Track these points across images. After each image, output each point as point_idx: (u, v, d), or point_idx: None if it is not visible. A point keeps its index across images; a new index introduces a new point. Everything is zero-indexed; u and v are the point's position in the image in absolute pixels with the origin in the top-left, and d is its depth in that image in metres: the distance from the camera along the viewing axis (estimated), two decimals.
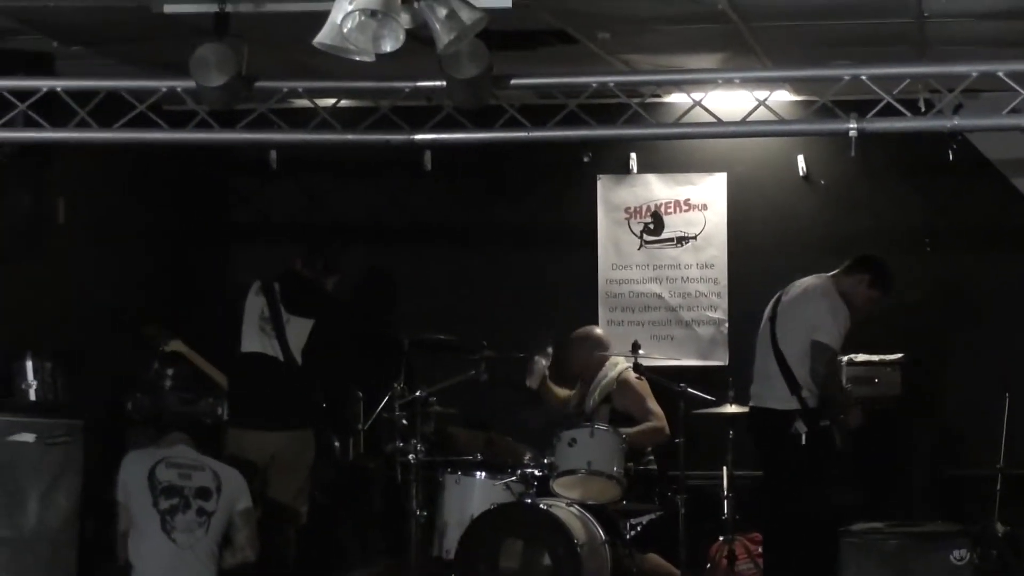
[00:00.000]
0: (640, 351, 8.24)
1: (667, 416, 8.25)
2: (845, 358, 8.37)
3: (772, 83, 6.78)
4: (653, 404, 8.34)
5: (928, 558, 7.46)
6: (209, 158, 9.40)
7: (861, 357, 8.39)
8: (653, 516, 7.97)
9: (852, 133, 6.15)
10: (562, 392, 8.71)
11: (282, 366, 7.89)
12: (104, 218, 8.83)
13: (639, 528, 7.91)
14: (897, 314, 8.46)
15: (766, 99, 6.41)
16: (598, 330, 8.86)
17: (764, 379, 8.00)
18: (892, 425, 8.77)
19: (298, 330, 7.92)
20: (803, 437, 7.71)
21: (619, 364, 8.41)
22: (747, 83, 6.62)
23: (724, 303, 9.51)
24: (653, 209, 9.63)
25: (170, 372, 8.24)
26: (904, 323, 8.77)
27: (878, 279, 7.93)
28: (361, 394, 8.66)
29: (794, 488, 7.82)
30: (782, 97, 8.04)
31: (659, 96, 8.43)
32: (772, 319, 8.02)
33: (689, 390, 8.08)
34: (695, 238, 9.58)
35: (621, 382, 8.39)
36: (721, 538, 8.23)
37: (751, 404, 8.08)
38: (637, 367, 8.20)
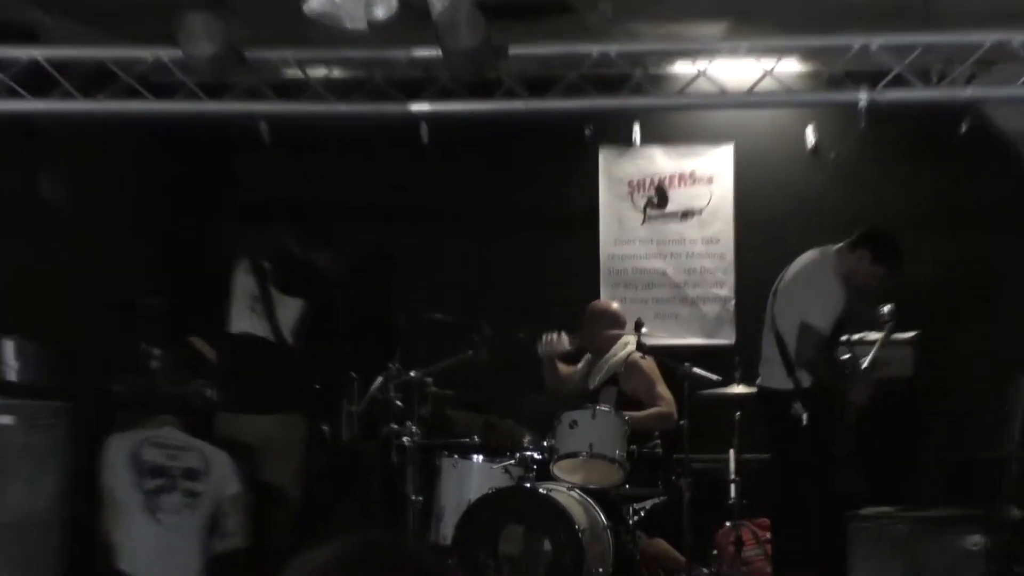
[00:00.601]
0: (643, 329, 8.21)
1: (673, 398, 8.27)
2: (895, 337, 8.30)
3: (779, 52, 6.77)
4: (662, 388, 8.32)
5: (939, 543, 7.49)
6: (203, 135, 9.38)
7: (872, 336, 8.30)
8: (657, 501, 7.97)
9: (862, 104, 6.16)
10: (566, 369, 8.71)
11: (273, 347, 7.90)
12: (93, 197, 8.85)
13: (642, 513, 7.90)
14: (908, 294, 8.42)
15: (772, 69, 6.44)
16: (615, 306, 8.82)
17: (766, 358, 8.02)
18: (902, 406, 8.77)
19: (289, 310, 7.93)
20: (803, 419, 7.68)
21: (629, 344, 8.37)
22: (753, 52, 6.63)
23: (730, 279, 9.51)
24: (657, 182, 9.62)
25: (159, 354, 8.27)
26: (916, 303, 8.70)
27: (881, 255, 7.82)
28: (355, 376, 8.62)
29: (798, 472, 7.83)
30: (790, 68, 8.09)
31: (663, 66, 8.43)
32: (774, 295, 8.04)
33: (694, 370, 8.04)
34: (700, 212, 9.56)
35: (630, 364, 8.37)
36: (728, 523, 8.22)
37: (758, 383, 8.08)
38: (640, 346, 8.18)
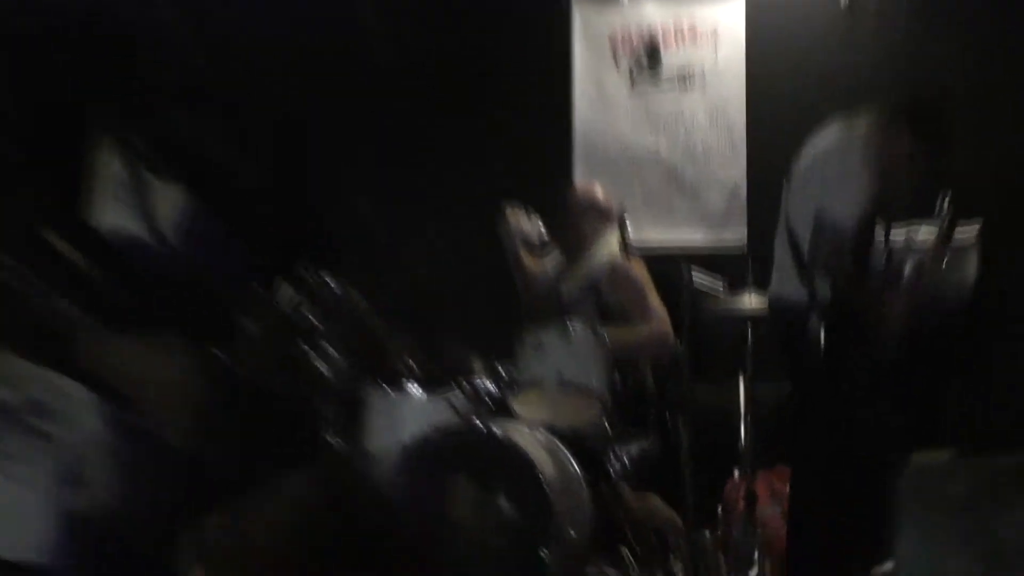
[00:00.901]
0: (628, 225, 8.12)
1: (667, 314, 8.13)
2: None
3: None
4: (655, 300, 8.16)
5: (1011, 502, 6.96)
6: None
7: (923, 234, 7.95)
8: (646, 445, 7.83)
9: None
10: (534, 262, 8.62)
11: (148, 249, 7.60)
12: None
13: (628, 461, 7.73)
14: (964, 183, 8.10)
15: None
16: (602, 194, 8.59)
17: (778, 263, 7.85)
18: (960, 325, 8.45)
19: (168, 201, 7.62)
20: (820, 339, 7.53)
21: (613, 243, 8.23)
22: None
23: (741, 160, 9.46)
24: (647, 39, 9.59)
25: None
26: (974, 195, 8.30)
27: (924, 130, 7.56)
28: (257, 285, 8.26)
29: (817, 408, 7.65)
30: None
31: None
32: (787, 182, 7.86)
33: (695, 277, 7.88)
34: (703, 76, 9.54)
35: (614, 269, 8.21)
36: (737, 474, 8.10)
37: (768, 293, 7.90)
38: (626, 245, 8.03)
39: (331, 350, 7.91)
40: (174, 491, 7.51)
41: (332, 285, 7.96)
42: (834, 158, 7.64)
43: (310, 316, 8.00)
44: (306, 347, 7.99)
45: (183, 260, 7.63)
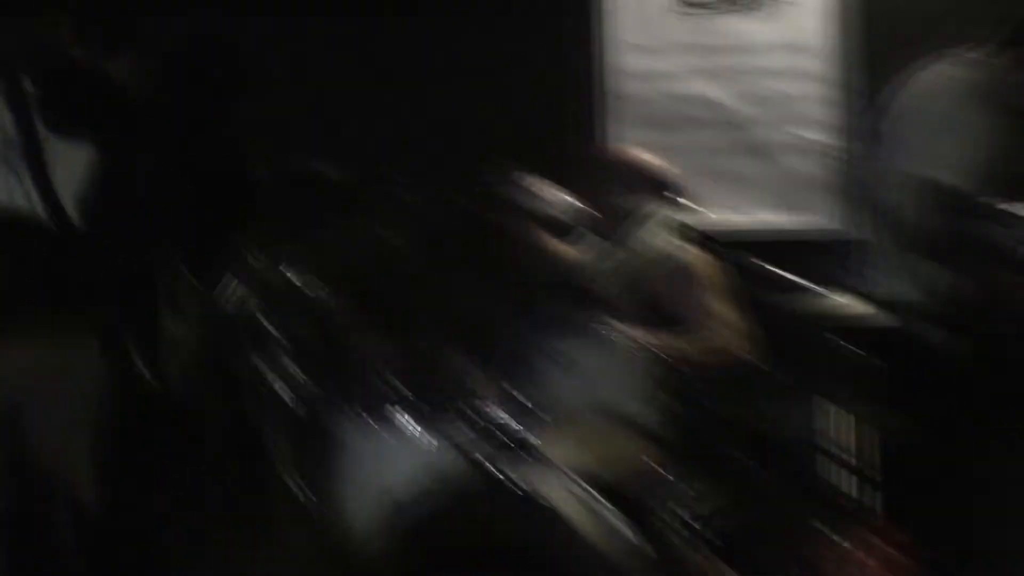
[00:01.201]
0: (679, 199, 7.55)
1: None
2: None
3: None
4: (720, 302, 7.59)
5: None
6: None
7: None
8: (719, 500, 7.00)
9: None
10: (556, 244, 8.11)
11: (42, 227, 7.28)
12: None
13: (698, 522, 6.91)
14: None
15: None
16: (645, 158, 8.05)
17: (875, 250, 7.33)
18: None
19: (68, 161, 7.28)
20: (939, 351, 6.95)
21: (662, 226, 7.71)
22: None
23: (831, 113, 9.13)
24: None
25: None
26: None
27: None
28: (186, 270, 7.81)
29: (947, 446, 7.02)
30: None
31: None
32: (876, 141, 7.35)
33: (770, 270, 7.48)
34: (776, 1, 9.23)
35: (668, 258, 7.66)
36: (840, 540, 7.20)
37: (867, 292, 7.41)
38: (682, 228, 7.45)
39: (289, 362, 7.34)
40: (76, 538, 7.37)
41: (290, 275, 7.45)
42: (938, 103, 7.18)
43: (260, 316, 7.49)
44: (254, 358, 7.44)
45: (89, 243, 7.42)
